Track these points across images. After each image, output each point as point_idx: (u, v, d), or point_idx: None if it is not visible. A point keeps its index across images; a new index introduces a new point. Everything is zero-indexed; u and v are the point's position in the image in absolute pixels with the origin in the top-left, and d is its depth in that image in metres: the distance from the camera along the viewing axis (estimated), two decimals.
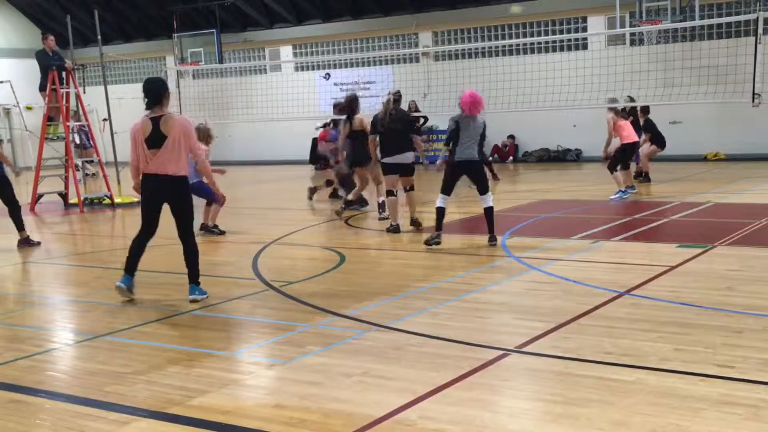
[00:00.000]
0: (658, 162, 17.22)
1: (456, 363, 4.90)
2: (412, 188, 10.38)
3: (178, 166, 6.73)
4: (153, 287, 7.68)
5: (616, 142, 13.22)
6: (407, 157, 10.18)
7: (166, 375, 4.93)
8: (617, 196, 12.98)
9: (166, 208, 6.89)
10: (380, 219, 11.35)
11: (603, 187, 15.17)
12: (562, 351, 5.08)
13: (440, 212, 9.11)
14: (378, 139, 10.46)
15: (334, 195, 14.45)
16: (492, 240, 9.07)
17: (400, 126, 10.09)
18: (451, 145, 8.98)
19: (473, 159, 8.97)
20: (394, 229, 10.23)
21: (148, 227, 7.00)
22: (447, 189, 9.16)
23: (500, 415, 4.15)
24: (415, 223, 10.35)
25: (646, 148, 15.53)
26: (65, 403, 4.57)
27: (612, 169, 13.29)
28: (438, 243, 9.07)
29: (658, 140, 15.64)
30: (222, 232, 10.69)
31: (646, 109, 15.74)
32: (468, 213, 12.52)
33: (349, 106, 11.53)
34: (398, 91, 10.60)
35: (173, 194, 6.83)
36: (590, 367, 4.76)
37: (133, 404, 4.46)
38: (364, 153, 11.24)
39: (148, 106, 6.78)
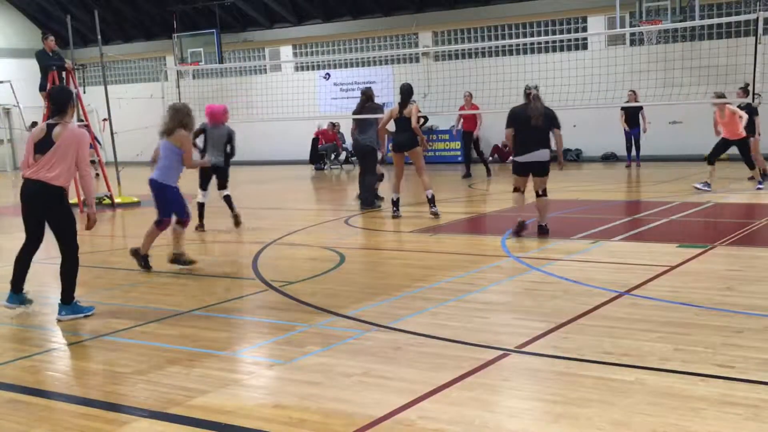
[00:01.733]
0: (657, 162, 17.22)
1: (456, 363, 4.89)
2: (545, 192, 9.65)
3: (56, 175, 6.40)
4: (153, 287, 7.68)
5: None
6: (543, 154, 9.47)
7: (166, 375, 4.93)
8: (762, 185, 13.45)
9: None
10: (432, 214, 11.46)
11: (603, 187, 15.18)
12: (562, 351, 5.08)
13: (200, 207, 11.02)
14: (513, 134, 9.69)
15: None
16: (236, 221, 11.19)
17: (540, 122, 9.38)
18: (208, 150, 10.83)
19: (218, 164, 10.89)
20: (521, 227, 9.60)
21: (31, 238, 6.70)
22: (204, 185, 11.13)
23: (500, 415, 4.15)
24: (544, 231, 9.54)
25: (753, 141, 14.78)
26: (65, 403, 4.57)
27: (751, 161, 13.79)
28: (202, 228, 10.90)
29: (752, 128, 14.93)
30: (191, 262, 8.46)
31: (746, 90, 14.81)
32: (468, 213, 12.52)
33: (407, 94, 11.70)
34: (537, 86, 9.71)
35: (45, 202, 6.49)
36: (590, 367, 4.76)
37: (133, 404, 4.46)
38: (409, 137, 11.52)
39: (51, 115, 6.66)
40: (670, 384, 4.41)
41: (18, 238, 6.93)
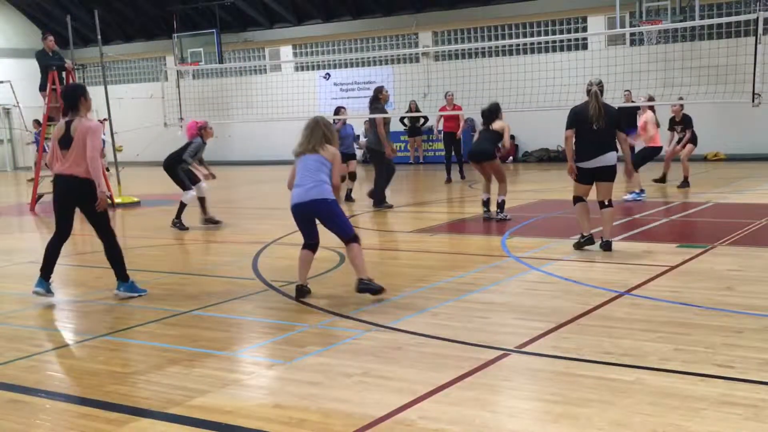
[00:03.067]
0: (657, 162, 17.17)
1: (456, 363, 4.90)
2: (610, 203, 8.56)
3: (84, 169, 6.82)
4: (153, 287, 7.67)
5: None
6: (610, 158, 8.40)
7: (166, 375, 4.93)
8: (632, 196, 12.90)
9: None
10: (498, 219, 10.98)
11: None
12: (562, 351, 5.08)
13: (200, 200, 11.67)
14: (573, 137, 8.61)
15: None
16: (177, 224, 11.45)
17: (604, 123, 8.32)
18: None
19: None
20: (587, 241, 8.52)
21: (61, 229, 7.10)
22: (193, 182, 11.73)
23: (500, 415, 4.15)
24: (608, 246, 8.45)
25: (687, 149, 14.71)
26: (65, 403, 4.57)
27: (637, 168, 13.14)
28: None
29: (695, 138, 14.96)
30: (380, 289, 6.72)
31: (652, 99, 15.02)
32: (468, 213, 12.53)
33: (495, 112, 11.38)
34: (600, 81, 8.54)
35: (79, 195, 6.93)
36: (590, 367, 4.76)
37: (133, 404, 4.46)
38: (485, 147, 11.15)
39: (65, 112, 7.08)
40: (670, 384, 4.41)
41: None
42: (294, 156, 7.09)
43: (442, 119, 18.42)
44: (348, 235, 6.78)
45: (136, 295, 7.10)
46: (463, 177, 17.49)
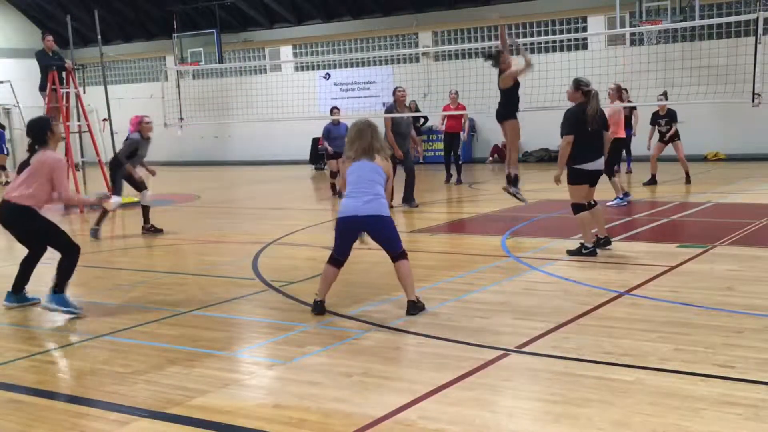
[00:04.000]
0: (657, 162, 17.21)
1: (456, 363, 4.90)
2: (595, 202, 8.62)
3: (23, 194, 6.56)
4: (153, 287, 7.68)
5: None
6: (603, 161, 8.46)
7: (166, 375, 4.93)
8: (615, 202, 12.03)
9: None
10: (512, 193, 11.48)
11: (602, 187, 15.15)
12: (562, 351, 5.08)
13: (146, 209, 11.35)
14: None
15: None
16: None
17: (597, 125, 8.26)
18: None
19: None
20: (590, 253, 8.22)
21: (31, 251, 6.87)
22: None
23: (500, 415, 4.15)
24: (606, 242, 8.48)
25: (680, 146, 14.66)
26: (65, 403, 4.57)
27: (612, 171, 12.23)
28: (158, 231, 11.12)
29: (677, 132, 14.86)
30: (423, 306, 6.31)
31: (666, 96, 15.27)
32: (468, 213, 12.53)
33: (499, 58, 11.50)
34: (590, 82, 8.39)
35: (13, 221, 6.68)
36: (590, 367, 4.76)
37: (133, 404, 4.46)
38: (501, 106, 11.29)
39: (30, 148, 6.78)
40: (670, 384, 4.41)
41: (8, 239, 6.94)
42: (346, 159, 6.58)
43: (446, 119, 17.88)
44: (396, 251, 6.33)
45: (64, 309, 6.54)
46: (459, 181, 17.20)
